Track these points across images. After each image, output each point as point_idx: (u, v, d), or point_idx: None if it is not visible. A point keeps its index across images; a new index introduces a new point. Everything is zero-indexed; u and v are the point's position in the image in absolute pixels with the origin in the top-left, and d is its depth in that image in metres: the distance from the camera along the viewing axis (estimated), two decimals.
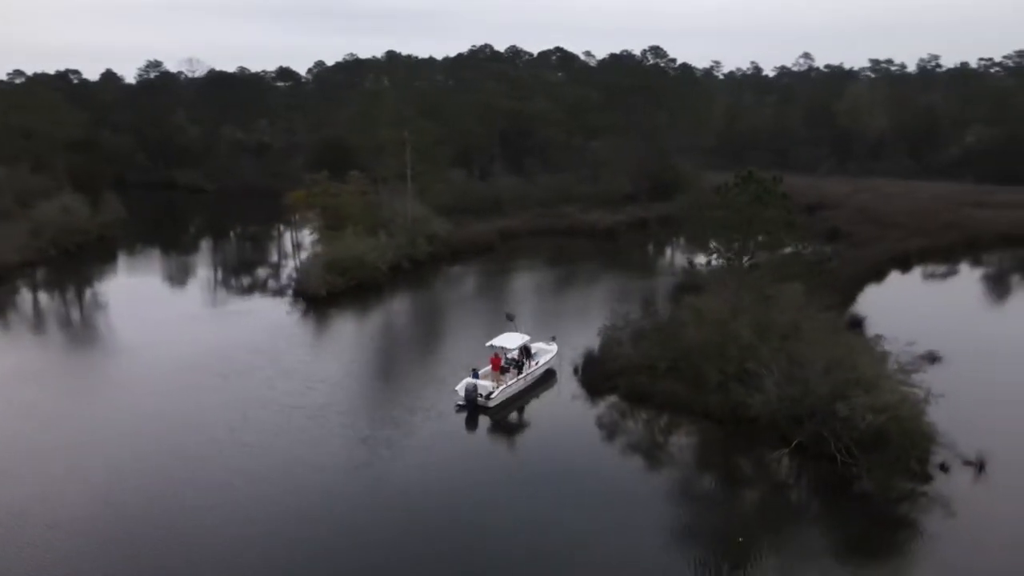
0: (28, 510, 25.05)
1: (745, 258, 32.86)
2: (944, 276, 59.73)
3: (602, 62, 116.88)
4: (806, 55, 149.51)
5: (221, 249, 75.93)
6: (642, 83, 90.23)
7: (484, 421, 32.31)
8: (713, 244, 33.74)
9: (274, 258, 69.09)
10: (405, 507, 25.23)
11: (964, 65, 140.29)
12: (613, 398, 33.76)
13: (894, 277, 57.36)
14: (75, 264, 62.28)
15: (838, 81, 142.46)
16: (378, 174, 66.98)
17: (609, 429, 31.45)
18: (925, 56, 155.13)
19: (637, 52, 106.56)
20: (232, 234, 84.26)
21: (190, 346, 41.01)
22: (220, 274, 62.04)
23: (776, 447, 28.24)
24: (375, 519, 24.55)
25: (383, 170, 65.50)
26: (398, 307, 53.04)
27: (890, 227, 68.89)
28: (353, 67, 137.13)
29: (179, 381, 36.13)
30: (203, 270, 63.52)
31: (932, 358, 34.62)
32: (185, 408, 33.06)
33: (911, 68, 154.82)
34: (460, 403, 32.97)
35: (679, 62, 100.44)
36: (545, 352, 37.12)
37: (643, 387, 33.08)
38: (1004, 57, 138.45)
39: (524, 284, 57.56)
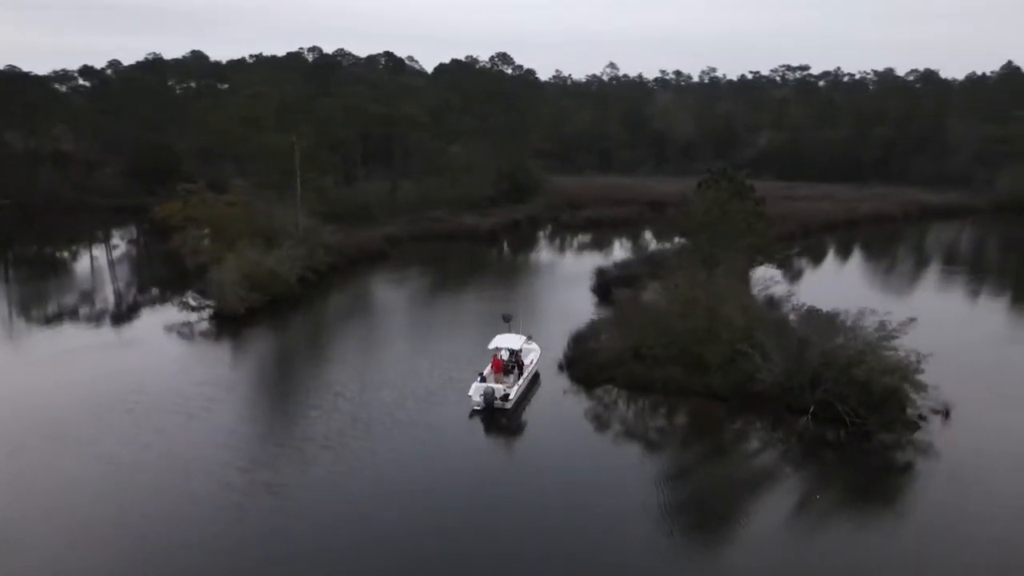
0: None
1: (718, 248, 35.90)
2: (802, 257, 68.53)
3: (443, 67, 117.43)
4: (612, 64, 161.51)
5: (79, 272, 65.14)
6: (495, 88, 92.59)
7: (515, 426, 32.05)
8: (690, 236, 36.40)
9: (150, 276, 61.09)
10: (490, 530, 24.59)
11: (743, 78, 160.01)
12: (612, 389, 34.95)
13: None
14: None
15: (642, 89, 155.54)
16: (258, 181, 62.63)
17: (624, 418, 32.64)
18: (705, 68, 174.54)
19: (479, 58, 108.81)
20: (80, 255, 72.59)
21: (121, 383, 35.66)
22: (101, 297, 53.86)
23: (782, 416, 31.42)
24: (465, 553, 23.69)
25: (265, 177, 61.32)
26: (331, 321, 49.70)
27: None
28: (157, 67, 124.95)
29: (141, 425, 31.44)
30: (75, 295, 54.57)
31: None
32: (174, 454, 28.79)
33: (695, 78, 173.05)
34: (476, 407, 32.46)
35: (524, 68, 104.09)
36: (531, 351, 37.60)
37: (641, 375, 34.81)
38: (771, 71, 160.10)
39: (443, 289, 57.04)
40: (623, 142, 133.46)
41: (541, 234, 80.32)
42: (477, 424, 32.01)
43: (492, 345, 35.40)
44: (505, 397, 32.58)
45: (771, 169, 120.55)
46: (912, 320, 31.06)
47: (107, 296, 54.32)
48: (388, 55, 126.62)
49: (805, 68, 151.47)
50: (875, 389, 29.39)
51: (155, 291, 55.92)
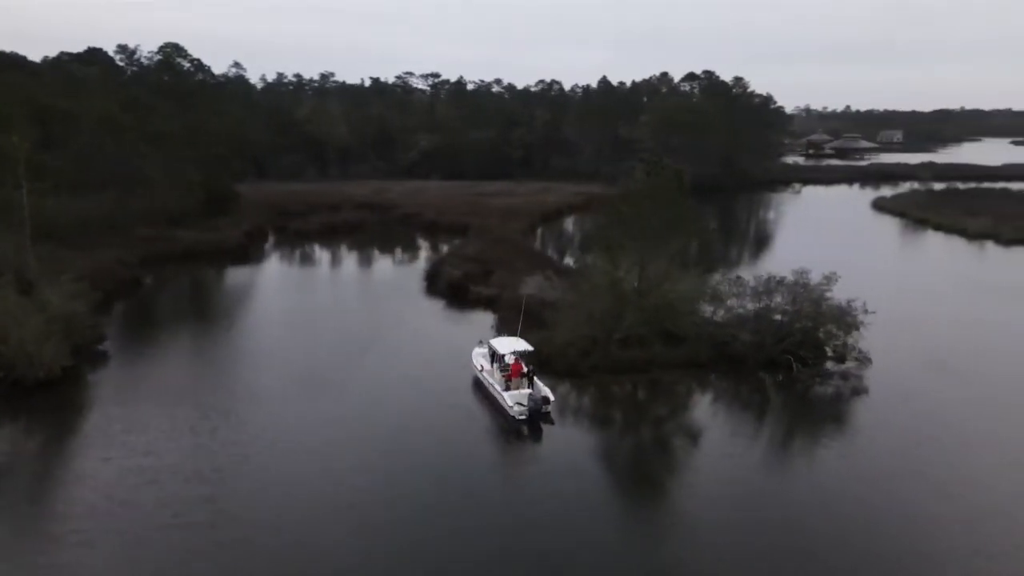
0: None
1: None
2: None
3: (78, 56, 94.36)
4: (237, 64, 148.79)
5: None
6: (176, 87, 79.81)
7: (563, 432, 29.78)
8: (630, 221, 37.95)
9: None
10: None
11: (363, 83, 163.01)
12: (606, 376, 34.74)
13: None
14: None
15: (282, 92, 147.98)
16: None
17: (645, 399, 33.81)
18: (326, 72, 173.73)
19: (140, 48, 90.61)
20: None
21: None
22: None
23: (756, 372, 35.54)
24: None
25: None
26: (191, 368, 37.01)
27: (469, 216, 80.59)
28: None
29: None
30: None
31: None
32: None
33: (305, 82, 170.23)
34: (521, 417, 29.54)
35: (207, 65, 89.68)
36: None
37: (622, 357, 35.40)
38: (396, 77, 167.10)
39: (268, 316, 47.46)
40: (276, 147, 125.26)
41: (291, 245, 72.12)
42: (548, 443, 29.26)
43: (507, 350, 32.29)
44: (546, 400, 30.37)
45: (437, 169, 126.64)
46: (835, 274, 37.63)
47: None
48: None
49: (436, 75, 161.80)
50: (826, 336, 35.63)
51: None
